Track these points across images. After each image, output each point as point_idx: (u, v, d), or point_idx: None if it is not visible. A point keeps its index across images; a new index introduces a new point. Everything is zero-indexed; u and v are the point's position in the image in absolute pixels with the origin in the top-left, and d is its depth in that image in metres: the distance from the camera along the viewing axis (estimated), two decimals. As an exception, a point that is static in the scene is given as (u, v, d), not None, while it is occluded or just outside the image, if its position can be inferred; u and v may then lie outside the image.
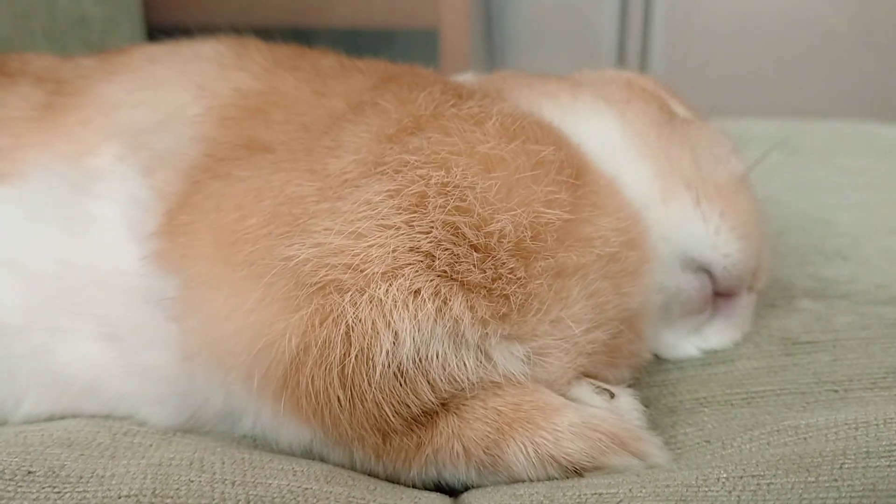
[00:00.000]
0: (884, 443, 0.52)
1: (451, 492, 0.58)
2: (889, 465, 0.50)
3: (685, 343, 0.74)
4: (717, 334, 0.74)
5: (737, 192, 0.71)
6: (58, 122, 0.69)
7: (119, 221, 0.65)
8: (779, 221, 1.02)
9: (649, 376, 0.70)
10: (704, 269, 0.69)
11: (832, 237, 0.99)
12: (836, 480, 0.49)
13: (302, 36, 1.90)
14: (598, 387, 0.60)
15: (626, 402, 0.60)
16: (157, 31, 1.74)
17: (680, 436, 0.62)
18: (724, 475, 0.51)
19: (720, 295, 0.72)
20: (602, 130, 0.71)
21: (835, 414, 0.58)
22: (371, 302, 0.52)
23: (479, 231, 0.55)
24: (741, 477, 0.51)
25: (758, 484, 0.50)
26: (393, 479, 0.57)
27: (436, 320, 0.53)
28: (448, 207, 0.55)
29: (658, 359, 0.73)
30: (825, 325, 0.75)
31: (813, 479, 0.50)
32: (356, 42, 1.92)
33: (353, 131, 0.62)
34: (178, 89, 0.70)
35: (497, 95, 0.71)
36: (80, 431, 0.59)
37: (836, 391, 0.64)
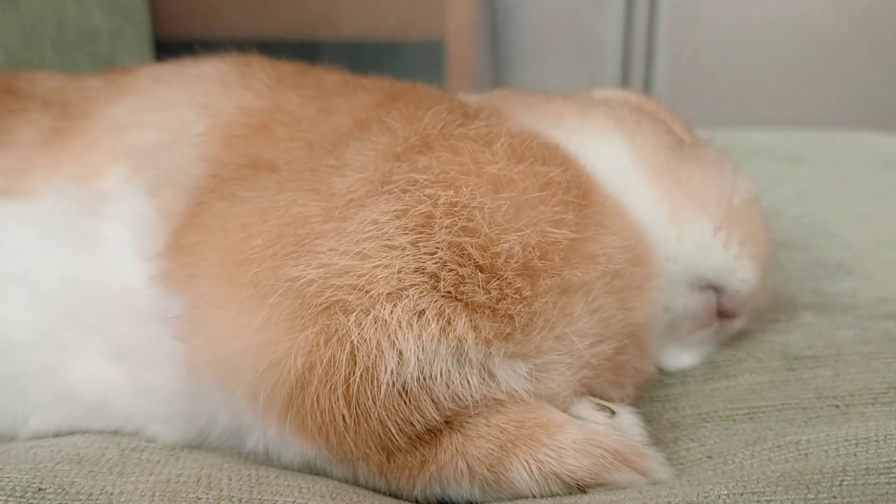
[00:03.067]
0: (883, 459, 0.53)
1: (456, 508, 0.59)
2: (888, 483, 0.51)
3: (686, 355, 0.75)
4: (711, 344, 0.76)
5: (751, 215, 0.72)
6: (65, 147, 0.70)
7: (127, 241, 0.66)
8: (782, 235, 1.02)
9: (652, 391, 0.71)
10: (712, 288, 0.70)
11: (835, 250, 0.99)
12: (835, 498, 0.50)
13: (308, 49, 1.92)
14: (599, 404, 0.60)
15: (628, 419, 0.60)
16: (165, 44, 1.76)
17: (682, 451, 0.62)
18: (725, 492, 0.52)
19: (724, 315, 0.73)
20: (611, 152, 0.71)
21: (835, 430, 0.59)
22: (376, 322, 0.53)
23: (485, 252, 0.56)
24: (742, 494, 0.51)
25: (758, 501, 0.50)
26: (397, 496, 0.58)
27: (440, 340, 0.53)
28: (455, 228, 0.56)
29: (661, 373, 0.73)
30: (827, 339, 0.75)
31: (812, 496, 0.50)
32: (362, 55, 1.93)
33: (358, 149, 0.62)
34: (183, 109, 0.71)
35: (498, 115, 0.71)
36: (90, 447, 0.60)
37: (837, 406, 0.65)
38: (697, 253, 0.69)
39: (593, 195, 0.63)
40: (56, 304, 0.65)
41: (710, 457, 0.60)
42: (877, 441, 0.55)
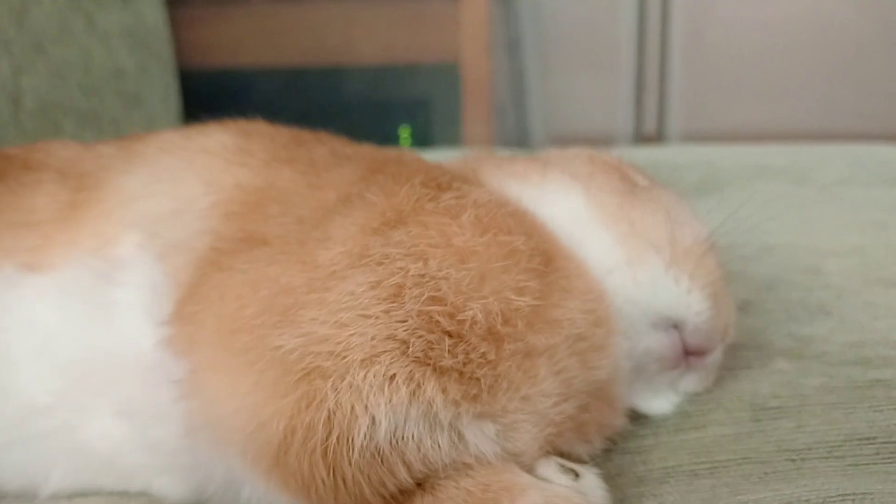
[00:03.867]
0: (816, 526, 0.57)
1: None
2: (818, 550, 0.55)
3: (662, 398, 0.79)
4: (689, 384, 0.80)
5: (702, 253, 0.76)
6: (82, 220, 0.76)
7: (139, 306, 0.72)
8: (769, 273, 1.06)
9: (624, 442, 0.74)
10: (675, 326, 0.75)
11: (819, 289, 1.01)
12: (767, 563, 0.54)
13: (329, 75, 1.98)
14: (564, 466, 0.65)
15: (591, 481, 0.64)
16: (190, 76, 1.83)
17: (643, 509, 0.66)
18: (669, 555, 0.56)
19: (692, 353, 0.77)
20: (569, 205, 0.77)
21: (784, 488, 0.62)
22: (350, 387, 0.58)
23: (452, 319, 0.61)
24: (683, 560, 0.55)
25: (697, 566, 0.55)
26: (374, 554, 0.63)
27: (410, 403, 0.58)
28: (423, 298, 0.60)
29: (634, 424, 0.76)
30: (794, 389, 0.78)
31: (747, 561, 0.54)
32: (380, 79, 1.99)
33: (341, 224, 0.67)
34: (189, 182, 0.77)
35: (473, 178, 0.77)
36: (96, 512, 0.66)
37: (793, 461, 0.68)
38: (652, 291, 0.74)
39: (558, 261, 0.68)
40: (74, 370, 0.71)
41: (666, 515, 0.64)
42: (815, 505, 0.59)
